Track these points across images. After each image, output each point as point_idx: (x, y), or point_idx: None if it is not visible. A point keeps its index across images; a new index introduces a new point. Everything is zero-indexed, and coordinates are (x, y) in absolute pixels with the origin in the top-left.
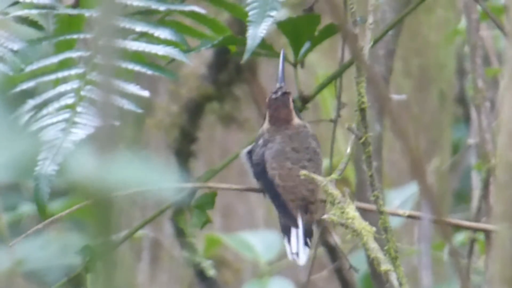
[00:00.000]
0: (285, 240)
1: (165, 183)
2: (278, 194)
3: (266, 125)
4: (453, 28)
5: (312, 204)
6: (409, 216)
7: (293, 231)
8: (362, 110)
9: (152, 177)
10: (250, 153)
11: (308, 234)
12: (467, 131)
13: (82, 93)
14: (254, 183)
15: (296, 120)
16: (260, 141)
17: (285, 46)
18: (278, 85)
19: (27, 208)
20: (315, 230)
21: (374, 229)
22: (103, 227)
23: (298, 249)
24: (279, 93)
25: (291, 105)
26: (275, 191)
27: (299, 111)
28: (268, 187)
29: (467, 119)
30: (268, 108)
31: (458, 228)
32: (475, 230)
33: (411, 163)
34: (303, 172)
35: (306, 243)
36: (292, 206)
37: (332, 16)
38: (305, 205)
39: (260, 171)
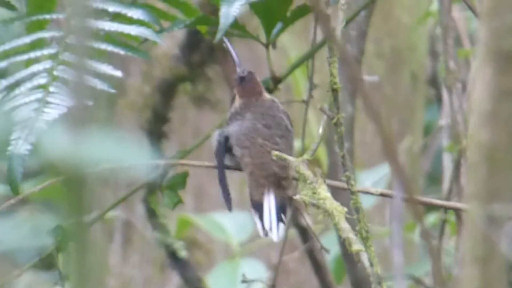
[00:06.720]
0: (256, 217)
1: (138, 161)
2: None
3: (237, 103)
4: (425, 10)
5: (285, 180)
6: (381, 195)
7: (266, 207)
8: (334, 91)
9: (125, 156)
10: (221, 134)
11: (282, 210)
12: (439, 113)
13: (55, 73)
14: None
15: (266, 95)
16: (231, 120)
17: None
18: (239, 69)
19: None
20: (288, 209)
21: (345, 209)
22: (76, 206)
23: (271, 225)
24: (245, 72)
25: (259, 80)
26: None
27: (270, 92)
28: (220, 165)
29: (439, 100)
30: (238, 84)
31: (429, 209)
32: (447, 208)
33: (383, 142)
34: (276, 152)
35: (280, 219)
36: (263, 183)
37: None
38: (277, 181)
39: (220, 148)
